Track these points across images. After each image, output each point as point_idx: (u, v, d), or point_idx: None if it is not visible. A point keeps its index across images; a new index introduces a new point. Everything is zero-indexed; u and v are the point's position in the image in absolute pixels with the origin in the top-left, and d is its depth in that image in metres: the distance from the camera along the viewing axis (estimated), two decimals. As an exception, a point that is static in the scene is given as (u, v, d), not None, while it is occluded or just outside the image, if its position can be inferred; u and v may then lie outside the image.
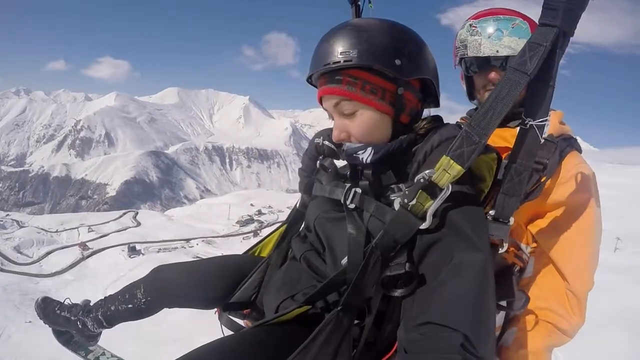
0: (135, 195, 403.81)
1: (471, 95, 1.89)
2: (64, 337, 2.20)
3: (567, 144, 1.62)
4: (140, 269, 62.88)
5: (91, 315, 1.99)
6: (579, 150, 1.66)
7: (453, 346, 0.92)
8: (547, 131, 1.19)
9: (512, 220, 1.23)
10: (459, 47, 1.80)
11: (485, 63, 1.75)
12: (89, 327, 1.99)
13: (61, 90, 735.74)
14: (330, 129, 1.58)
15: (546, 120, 1.15)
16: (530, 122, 1.15)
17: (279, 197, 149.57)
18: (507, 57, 1.68)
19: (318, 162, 1.63)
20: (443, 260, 1.06)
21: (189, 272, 1.87)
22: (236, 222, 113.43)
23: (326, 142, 1.57)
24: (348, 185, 1.38)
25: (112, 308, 1.94)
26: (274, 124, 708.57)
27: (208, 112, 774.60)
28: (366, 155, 1.31)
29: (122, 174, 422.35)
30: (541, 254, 1.61)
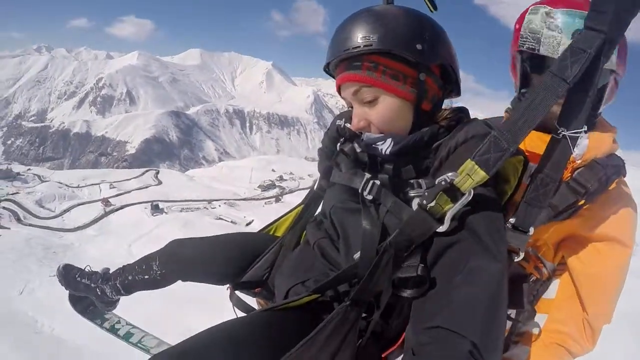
0: (154, 154, 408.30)
1: (520, 90, 1.66)
2: (81, 305, 2.32)
3: (614, 170, 1.47)
4: (163, 227, 62.61)
5: (110, 283, 2.10)
6: (625, 175, 1.54)
7: (461, 352, 0.91)
8: (587, 145, 1.16)
9: (532, 230, 1.20)
10: (527, 37, 1.52)
11: None
12: (108, 294, 2.11)
13: (83, 48, 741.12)
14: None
15: (580, 132, 1.10)
16: (563, 133, 1.10)
17: (300, 164, 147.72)
18: None
19: (338, 145, 1.57)
20: (458, 265, 1.04)
21: (204, 249, 1.90)
22: (258, 187, 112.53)
23: (348, 125, 1.51)
24: (367, 176, 1.31)
25: (130, 277, 2.04)
26: (296, 91, 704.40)
27: (230, 75, 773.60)
28: (386, 147, 1.27)
29: (142, 132, 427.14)
30: (567, 279, 1.56)
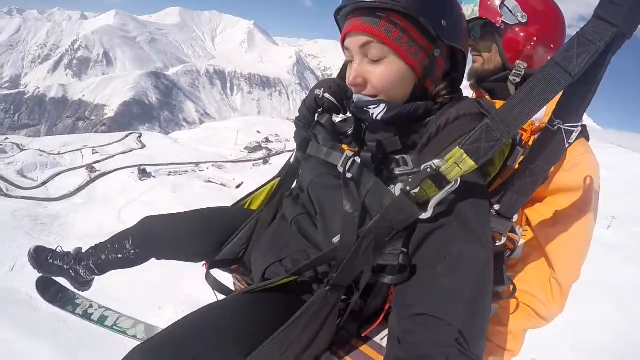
0: (133, 116, 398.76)
1: None
2: (49, 294, 2.23)
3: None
4: (153, 192, 62.17)
5: (83, 263, 2.02)
6: (587, 138, 1.55)
7: (447, 339, 0.89)
8: (545, 108, 1.16)
9: (516, 217, 1.19)
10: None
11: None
12: (82, 274, 2.04)
13: (56, 9, 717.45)
14: (333, 80, 1.53)
15: (577, 126, 1.07)
16: (559, 125, 1.07)
17: (284, 125, 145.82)
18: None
19: (316, 115, 1.52)
20: (442, 250, 1.00)
21: (177, 226, 1.83)
22: (244, 148, 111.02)
23: (327, 95, 1.46)
24: (349, 154, 1.27)
25: (103, 257, 1.96)
26: (278, 51, 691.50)
27: (210, 35, 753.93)
28: (378, 111, 1.21)
29: (120, 95, 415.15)
30: (532, 239, 1.58)
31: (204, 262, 1.85)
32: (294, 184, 1.71)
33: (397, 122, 1.22)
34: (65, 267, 2.04)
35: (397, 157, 1.21)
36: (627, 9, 0.87)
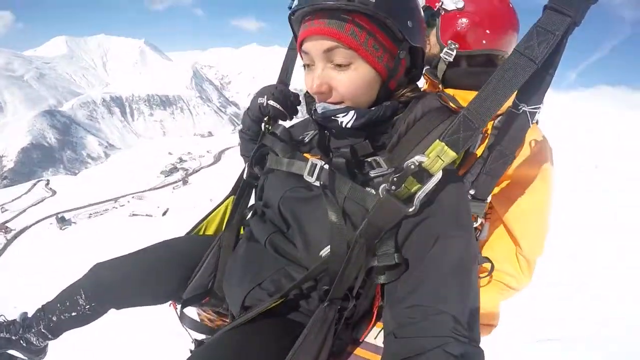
0: (35, 162, 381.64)
1: None
2: None
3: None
4: (79, 238, 60.26)
5: (33, 330, 1.71)
6: (537, 122, 1.62)
7: (444, 328, 0.90)
8: (536, 118, 1.16)
9: (489, 198, 1.26)
10: None
11: None
12: (34, 342, 1.73)
13: None
14: (274, 86, 1.52)
15: (539, 107, 1.13)
16: (524, 108, 1.12)
17: (194, 142, 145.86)
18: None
19: (263, 125, 1.52)
20: (428, 241, 1.02)
21: (133, 268, 1.65)
22: (160, 173, 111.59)
23: (271, 103, 1.45)
24: (312, 161, 1.24)
25: (54, 319, 1.69)
26: (173, 67, 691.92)
27: (101, 60, 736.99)
28: (347, 119, 1.17)
29: (17, 141, 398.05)
30: (495, 220, 1.66)
31: (170, 302, 1.70)
32: (251, 201, 1.64)
33: (367, 126, 1.20)
34: (13, 338, 1.70)
35: (369, 159, 1.19)
36: (578, 1, 0.96)
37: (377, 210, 1.03)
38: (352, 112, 1.16)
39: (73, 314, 1.66)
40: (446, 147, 0.99)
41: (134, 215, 74.30)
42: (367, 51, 1.11)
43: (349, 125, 1.17)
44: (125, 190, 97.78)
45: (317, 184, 1.19)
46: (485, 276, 1.59)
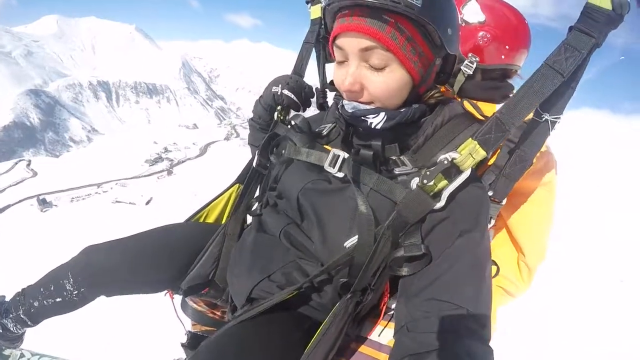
0: (16, 142, 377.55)
1: None
2: None
3: None
4: (60, 222, 59.27)
5: (11, 315, 1.57)
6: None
7: (458, 324, 0.93)
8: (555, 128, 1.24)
9: (504, 201, 1.30)
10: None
11: None
12: (11, 328, 1.60)
13: None
14: (289, 76, 1.51)
15: (559, 117, 1.18)
16: (546, 117, 1.17)
17: (180, 132, 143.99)
18: None
19: (276, 114, 1.53)
20: (449, 238, 1.05)
21: (128, 253, 1.52)
22: (145, 162, 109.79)
23: (286, 92, 1.44)
24: (334, 152, 1.24)
25: (36, 304, 1.55)
26: (162, 55, 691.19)
27: (90, 43, 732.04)
28: (377, 121, 1.16)
29: None
30: (499, 227, 1.70)
31: (166, 291, 1.62)
32: (258, 190, 1.62)
33: (396, 128, 1.19)
34: None
35: (394, 157, 1.20)
36: (603, 26, 1.03)
37: (408, 202, 1.06)
38: (382, 114, 1.15)
39: (58, 299, 1.52)
40: (478, 146, 1.03)
41: (117, 202, 71.96)
42: (405, 55, 1.09)
43: (378, 127, 1.16)
44: (108, 176, 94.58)
45: (340, 175, 1.21)
46: (492, 278, 1.54)
